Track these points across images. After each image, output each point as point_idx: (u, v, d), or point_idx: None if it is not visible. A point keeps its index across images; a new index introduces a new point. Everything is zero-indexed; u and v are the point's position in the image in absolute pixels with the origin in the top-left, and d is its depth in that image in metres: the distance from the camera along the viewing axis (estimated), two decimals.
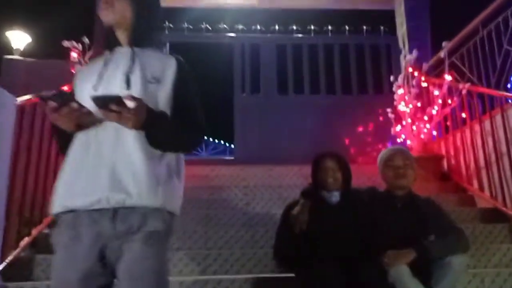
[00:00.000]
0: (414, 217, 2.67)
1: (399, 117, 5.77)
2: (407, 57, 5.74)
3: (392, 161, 2.77)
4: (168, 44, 6.91)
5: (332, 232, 2.61)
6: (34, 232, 3.53)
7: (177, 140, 1.69)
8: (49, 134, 3.69)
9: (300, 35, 6.92)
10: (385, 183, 2.85)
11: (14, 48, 7.67)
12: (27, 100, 3.54)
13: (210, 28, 6.83)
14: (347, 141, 6.47)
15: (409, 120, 5.57)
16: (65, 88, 3.19)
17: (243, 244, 3.95)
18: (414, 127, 5.48)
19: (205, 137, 19.92)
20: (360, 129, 6.53)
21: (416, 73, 5.60)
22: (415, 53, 5.53)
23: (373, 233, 2.61)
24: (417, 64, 5.63)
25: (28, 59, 6.37)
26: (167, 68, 1.69)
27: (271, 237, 3.88)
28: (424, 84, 5.62)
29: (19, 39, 7.82)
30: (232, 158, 6.37)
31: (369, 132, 6.51)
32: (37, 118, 3.70)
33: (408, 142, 5.63)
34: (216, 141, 20.81)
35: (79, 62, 5.04)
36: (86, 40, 5.08)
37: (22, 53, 7.56)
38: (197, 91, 1.79)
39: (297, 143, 6.34)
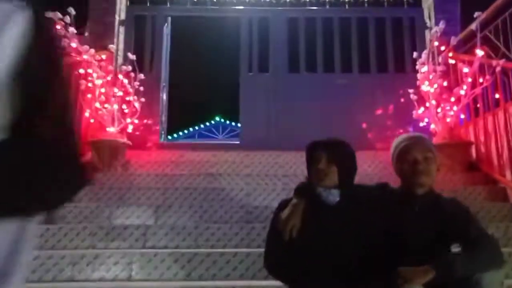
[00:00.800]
0: (435, 223, 2.13)
1: (422, 99, 5.16)
2: (432, 30, 5.08)
3: (409, 153, 2.22)
4: (169, 19, 6.39)
5: (330, 240, 2.09)
6: None
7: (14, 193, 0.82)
8: None
9: (313, 8, 6.28)
10: (400, 179, 2.30)
11: None
12: None
13: (215, 0, 6.25)
14: (364, 125, 5.89)
15: (434, 102, 4.96)
16: None
17: (237, 243, 3.46)
18: (439, 110, 4.86)
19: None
20: (379, 111, 5.93)
21: (442, 48, 4.94)
22: (442, 25, 4.86)
23: (382, 243, 2.08)
24: (444, 38, 4.98)
25: None
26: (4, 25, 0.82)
27: None
28: (452, 61, 4.99)
29: None
30: (238, 142, 5.83)
31: (389, 115, 5.91)
32: None
33: (432, 126, 5.02)
34: (233, 123, 20.31)
35: (65, 36, 4.57)
36: (72, 11, 4.59)
37: None
38: (66, 76, 1.01)
39: (308, 127, 5.78)
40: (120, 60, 5.73)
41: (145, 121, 5.76)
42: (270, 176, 4.67)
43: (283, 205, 2.33)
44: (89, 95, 4.92)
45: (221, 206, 3.91)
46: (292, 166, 5.05)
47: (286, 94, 5.87)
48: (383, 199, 2.29)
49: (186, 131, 20.08)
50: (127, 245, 3.41)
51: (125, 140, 4.86)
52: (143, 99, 5.21)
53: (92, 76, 4.80)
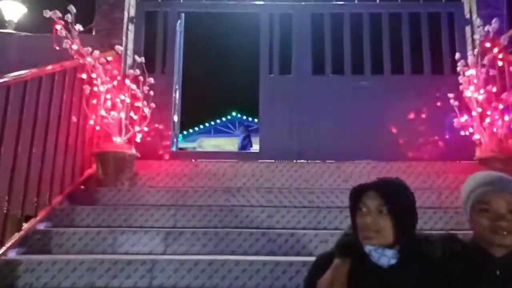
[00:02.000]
0: None
1: (465, 105, 4.58)
2: (479, 29, 4.49)
3: (488, 204, 1.70)
4: (183, 15, 5.89)
5: None
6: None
7: None
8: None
9: (341, 3, 5.70)
10: (475, 233, 1.78)
11: (7, 20, 6.82)
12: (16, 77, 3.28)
13: None
14: (396, 132, 5.33)
15: (479, 109, 4.38)
16: None
17: (258, 282, 2.96)
18: (487, 119, 4.29)
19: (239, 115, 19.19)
20: (413, 117, 5.36)
21: (494, 50, 4.35)
22: (495, 23, 4.27)
23: None
24: (493, 37, 4.39)
25: (22, 33, 5.49)
26: None
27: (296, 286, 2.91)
28: (500, 63, 4.39)
29: (13, 10, 6.94)
30: (257, 151, 5.33)
31: (424, 121, 5.34)
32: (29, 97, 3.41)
33: (476, 136, 4.45)
34: (250, 119, 19.79)
35: (66, 37, 4.10)
36: (72, 9, 4.11)
37: (17, 26, 6.73)
38: None
39: (334, 135, 5.26)
40: (129, 61, 5.25)
41: (156, 125, 5.29)
42: (294, 192, 4.16)
43: (322, 262, 1.83)
44: (94, 101, 4.46)
45: (240, 233, 3.42)
46: (318, 180, 4.53)
47: (310, 99, 5.34)
48: (451, 258, 1.77)
49: (201, 126, 19.66)
50: (131, 283, 2.94)
51: (132, 151, 4.40)
52: (153, 104, 4.73)
53: (97, 80, 4.33)
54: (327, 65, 5.45)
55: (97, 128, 4.53)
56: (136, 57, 4.77)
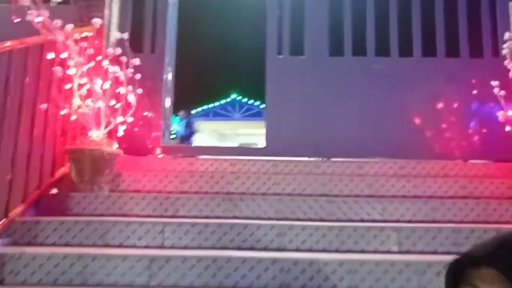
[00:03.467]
0: None
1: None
2: None
3: None
4: None
5: None
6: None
7: None
8: None
9: None
10: None
11: None
12: None
13: None
14: (426, 126, 4.56)
15: None
16: None
17: None
18: None
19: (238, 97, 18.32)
20: (446, 108, 4.58)
21: None
22: None
23: None
24: None
25: None
26: None
27: None
28: None
29: None
30: (263, 146, 4.55)
31: (460, 113, 4.56)
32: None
33: None
34: (250, 101, 18.97)
35: (29, 7, 3.29)
36: None
37: None
38: None
39: (354, 126, 4.49)
40: (113, 38, 4.43)
41: (144, 113, 4.51)
42: (309, 200, 3.41)
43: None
44: (68, 86, 3.67)
45: (244, 261, 2.66)
46: (337, 184, 3.78)
47: (326, 84, 4.55)
48: None
49: (199, 109, 18.85)
50: None
51: (114, 147, 3.62)
52: (140, 90, 3.93)
53: (69, 61, 3.53)
54: (346, 45, 4.64)
55: (73, 118, 3.74)
56: (117, 33, 3.95)
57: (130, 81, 3.91)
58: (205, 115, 18.66)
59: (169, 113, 4.78)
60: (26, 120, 3.30)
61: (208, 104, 18.87)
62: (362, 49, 4.62)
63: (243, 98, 18.95)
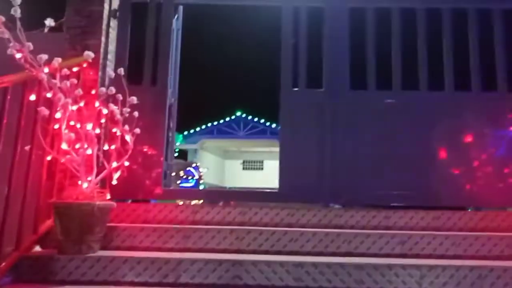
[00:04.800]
0: None
1: None
2: None
3: None
4: (181, 8, 4.60)
5: None
6: None
7: None
8: None
9: None
10: None
11: None
12: None
13: None
14: (460, 168, 4.05)
15: None
16: None
17: None
18: None
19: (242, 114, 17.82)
20: (486, 149, 4.07)
21: None
22: None
23: None
24: None
25: None
26: None
27: None
28: None
29: None
30: (275, 191, 4.05)
31: (499, 156, 4.05)
32: None
33: None
34: (255, 119, 18.51)
35: (9, 39, 2.82)
36: (17, 1, 2.82)
37: None
38: None
39: (379, 169, 3.99)
40: (110, 69, 3.97)
41: (144, 149, 4.03)
42: (334, 266, 2.89)
43: None
44: (55, 126, 3.19)
45: None
46: (364, 241, 3.28)
47: (347, 121, 4.06)
48: None
49: (203, 126, 18.40)
50: None
51: (106, 199, 3.12)
52: (138, 130, 3.44)
53: (58, 101, 3.06)
54: (370, 77, 4.15)
55: (62, 160, 3.26)
56: (109, 70, 3.47)
57: (127, 120, 3.43)
58: (210, 132, 18.19)
59: (171, 150, 4.28)
60: (3, 166, 2.83)
61: (212, 121, 18.42)
62: (388, 82, 4.13)
63: (247, 116, 18.48)
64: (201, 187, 15.36)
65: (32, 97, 2.90)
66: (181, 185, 13.73)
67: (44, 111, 2.98)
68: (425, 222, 3.62)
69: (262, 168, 21.07)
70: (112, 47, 4.13)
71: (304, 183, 3.96)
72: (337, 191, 3.95)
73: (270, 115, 18.38)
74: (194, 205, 3.72)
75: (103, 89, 3.19)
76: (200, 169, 15.59)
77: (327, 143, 4.01)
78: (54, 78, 3.05)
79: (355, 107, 4.06)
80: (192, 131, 17.71)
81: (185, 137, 17.38)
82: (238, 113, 18.46)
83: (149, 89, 4.10)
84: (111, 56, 4.11)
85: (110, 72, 3.30)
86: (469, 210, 4.00)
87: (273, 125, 18.32)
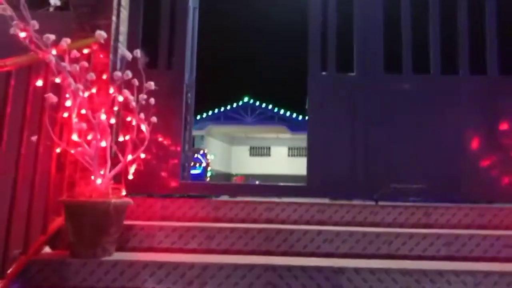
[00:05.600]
0: None
1: None
2: None
3: None
4: None
5: None
6: None
7: None
8: None
9: None
10: None
11: None
12: None
13: None
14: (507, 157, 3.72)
15: None
16: None
17: None
18: None
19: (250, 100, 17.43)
20: None
21: None
22: None
23: None
24: None
25: None
26: None
27: None
28: None
29: None
30: (303, 185, 3.73)
31: None
32: None
33: None
34: (263, 105, 18.14)
35: (11, 16, 2.49)
36: None
37: None
38: None
39: (417, 160, 3.67)
40: (125, 51, 3.63)
41: (159, 139, 3.72)
42: (379, 273, 2.58)
43: None
44: (65, 115, 2.87)
45: None
46: (406, 242, 2.97)
47: (381, 107, 3.71)
48: None
49: (210, 112, 18.06)
50: None
51: (122, 199, 2.81)
52: (154, 119, 3.11)
53: (69, 86, 2.73)
54: (406, 60, 3.79)
55: (72, 151, 2.94)
56: (125, 51, 3.12)
57: (143, 108, 3.10)
58: (217, 118, 17.86)
59: (189, 139, 3.95)
60: (8, 160, 2.52)
61: (219, 107, 18.07)
62: (425, 66, 3.78)
63: (255, 101, 18.10)
64: (208, 174, 15.11)
65: (39, 83, 2.57)
66: None
67: (52, 98, 2.66)
68: (470, 219, 3.30)
69: (269, 155, 20.76)
70: (123, 27, 3.79)
71: (335, 176, 3.64)
72: (371, 185, 3.63)
73: (279, 101, 18.05)
74: (216, 200, 3.40)
75: (119, 73, 2.85)
76: (208, 156, 15.33)
77: (359, 132, 3.68)
78: (63, 61, 2.72)
79: (390, 92, 3.71)
80: (198, 117, 17.37)
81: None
82: (246, 99, 18.09)
83: (164, 74, 3.78)
84: (122, 38, 3.78)
85: (127, 53, 2.95)
86: None
87: (281, 111, 17.97)
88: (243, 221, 3.31)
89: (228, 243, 2.98)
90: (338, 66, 3.81)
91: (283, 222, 3.31)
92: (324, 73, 3.81)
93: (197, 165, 14.33)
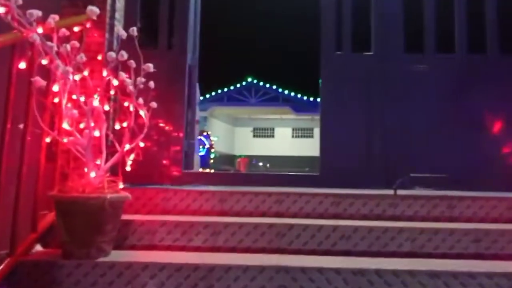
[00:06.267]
0: None
1: None
2: None
3: None
4: None
5: None
6: None
7: None
8: None
9: None
10: None
11: None
12: None
13: None
14: None
15: None
16: None
17: None
18: None
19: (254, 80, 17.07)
20: None
21: None
22: None
23: None
24: None
25: None
26: None
27: None
28: None
29: None
30: (315, 174, 3.46)
31: None
32: None
33: None
34: (267, 85, 17.78)
35: None
36: None
37: None
38: None
39: (440, 145, 3.39)
40: (120, 29, 3.33)
41: (160, 123, 3.45)
42: (403, 275, 2.33)
43: None
44: (56, 100, 2.59)
45: None
46: (432, 238, 2.71)
47: (400, 90, 3.42)
48: None
49: (213, 93, 17.73)
50: None
51: (118, 194, 2.54)
52: (154, 104, 2.83)
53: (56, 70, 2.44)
54: (428, 38, 3.48)
55: (64, 140, 2.66)
56: (118, 28, 2.83)
57: (142, 92, 2.81)
58: (220, 99, 17.53)
59: (191, 128, 3.68)
60: None
61: (222, 88, 17.72)
62: (449, 44, 3.46)
63: (259, 81, 17.74)
64: (211, 156, 14.87)
65: (22, 65, 2.29)
66: None
67: (39, 81, 2.37)
68: (497, 212, 3.04)
69: (273, 136, 20.49)
70: (120, 4, 3.48)
71: (349, 165, 3.36)
72: (388, 173, 3.35)
73: (283, 81, 17.69)
74: (221, 192, 3.14)
75: (113, 54, 2.56)
76: (211, 138, 15.07)
77: (376, 116, 3.40)
78: (51, 40, 2.43)
79: (409, 73, 3.41)
80: (201, 98, 17.04)
81: None
82: (249, 79, 17.72)
83: (165, 54, 3.48)
84: (119, 15, 3.47)
85: (121, 31, 2.65)
86: None
87: (286, 92, 17.62)
88: (250, 214, 3.06)
89: (236, 240, 2.72)
90: (354, 45, 3.50)
91: (294, 216, 3.06)
92: (338, 52, 3.50)
93: (201, 147, 14.08)
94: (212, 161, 14.65)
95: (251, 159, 18.86)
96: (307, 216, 3.06)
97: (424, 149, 3.35)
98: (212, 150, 14.87)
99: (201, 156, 13.76)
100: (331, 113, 3.42)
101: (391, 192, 3.33)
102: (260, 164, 19.07)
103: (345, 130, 3.39)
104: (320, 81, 3.48)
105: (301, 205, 3.09)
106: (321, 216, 3.06)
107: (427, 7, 3.48)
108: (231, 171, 17.32)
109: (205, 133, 14.43)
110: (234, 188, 3.29)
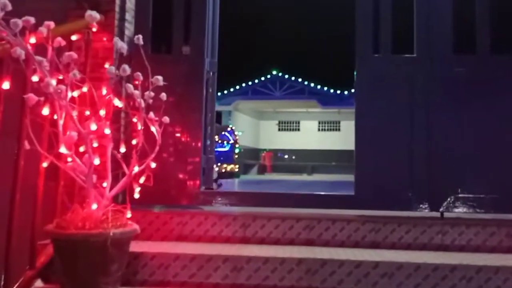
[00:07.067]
0: None
1: None
2: None
3: None
4: None
5: None
6: None
7: None
8: None
9: None
10: None
11: None
12: None
13: None
14: None
15: None
16: None
17: None
18: None
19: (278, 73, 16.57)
20: None
21: None
22: None
23: None
24: None
25: None
26: None
27: None
28: None
29: None
30: (351, 194, 3.05)
31: None
32: None
33: None
34: (293, 78, 17.28)
35: None
36: None
37: None
38: None
39: (495, 160, 2.94)
40: (128, 33, 3.00)
41: (177, 138, 3.10)
42: None
43: None
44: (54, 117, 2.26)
45: None
46: (492, 278, 2.28)
47: (449, 96, 2.98)
48: None
49: (237, 87, 17.36)
50: None
51: (124, 229, 2.20)
52: (167, 119, 2.48)
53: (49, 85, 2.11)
54: (480, 38, 3.01)
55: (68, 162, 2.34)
56: (128, 33, 2.47)
57: (153, 103, 2.46)
58: (244, 93, 17.15)
59: (211, 141, 3.31)
60: None
61: (247, 81, 17.32)
62: (506, 45, 2.99)
63: (284, 74, 17.25)
64: (236, 151, 14.54)
65: (6, 85, 1.96)
66: (215, 150, 12.96)
67: (33, 99, 2.05)
68: None
69: (298, 129, 20.02)
70: (130, 3, 3.13)
71: (390, 183, 2.95)
72: (435, 194, 2.93)
73: (309, 73, 17.18)
74: (244, 215, 2.78)
75: (112, 69, 2.21)
76: (236, 133, 14.75)
77: (420, 126, 2.97)
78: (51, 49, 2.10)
79: (459, 78, 2.96)
80: (225, 92, 16.69)
81: (218, 98, 16.41)
82: (274, 72, 17.25)
83: (179, 58, 3.12)
84: (129, 16, 3.12)
85: (121, 44, 2.30)
86: None
87: (312, 84, 17.12)
88: (277, 242, 2.70)
89: (260, 277, 2.37)
90: (394, 46, 3.06)
91: (326, 244, 2.69)
92: (376, 55, 3.07)
93: (225, 142, 13.79)
94: (236, 156, 14.34)
95: (276, 153, 18.46)
96: (341, 244, 2.69)
97: (475, 166, 2.91)
98: (237, 145, 14.55)
99: (225, 152, 13.46)
100: (367, 123, 3.02)
101: (437, 214, 2.93)
102: (286, 157, 18.68)
103: (384, 142, 2.98)
104: (354, 85, 3.07)
105: (334, 232, 2.72)
106: (357, 245, 2.68)
107: (478, 3, 3.01)
108: (256, 165, 17.04)
109: (229, 129, 14.12)
110: (258, 210, 2.93)
